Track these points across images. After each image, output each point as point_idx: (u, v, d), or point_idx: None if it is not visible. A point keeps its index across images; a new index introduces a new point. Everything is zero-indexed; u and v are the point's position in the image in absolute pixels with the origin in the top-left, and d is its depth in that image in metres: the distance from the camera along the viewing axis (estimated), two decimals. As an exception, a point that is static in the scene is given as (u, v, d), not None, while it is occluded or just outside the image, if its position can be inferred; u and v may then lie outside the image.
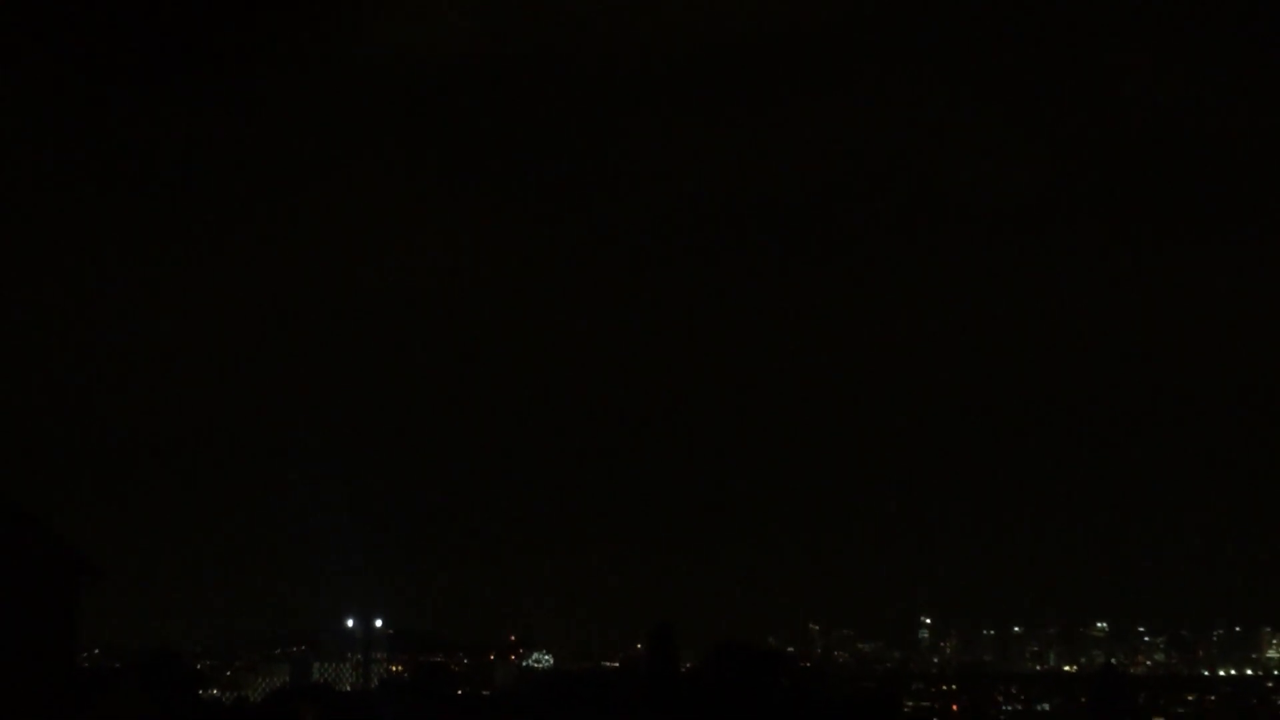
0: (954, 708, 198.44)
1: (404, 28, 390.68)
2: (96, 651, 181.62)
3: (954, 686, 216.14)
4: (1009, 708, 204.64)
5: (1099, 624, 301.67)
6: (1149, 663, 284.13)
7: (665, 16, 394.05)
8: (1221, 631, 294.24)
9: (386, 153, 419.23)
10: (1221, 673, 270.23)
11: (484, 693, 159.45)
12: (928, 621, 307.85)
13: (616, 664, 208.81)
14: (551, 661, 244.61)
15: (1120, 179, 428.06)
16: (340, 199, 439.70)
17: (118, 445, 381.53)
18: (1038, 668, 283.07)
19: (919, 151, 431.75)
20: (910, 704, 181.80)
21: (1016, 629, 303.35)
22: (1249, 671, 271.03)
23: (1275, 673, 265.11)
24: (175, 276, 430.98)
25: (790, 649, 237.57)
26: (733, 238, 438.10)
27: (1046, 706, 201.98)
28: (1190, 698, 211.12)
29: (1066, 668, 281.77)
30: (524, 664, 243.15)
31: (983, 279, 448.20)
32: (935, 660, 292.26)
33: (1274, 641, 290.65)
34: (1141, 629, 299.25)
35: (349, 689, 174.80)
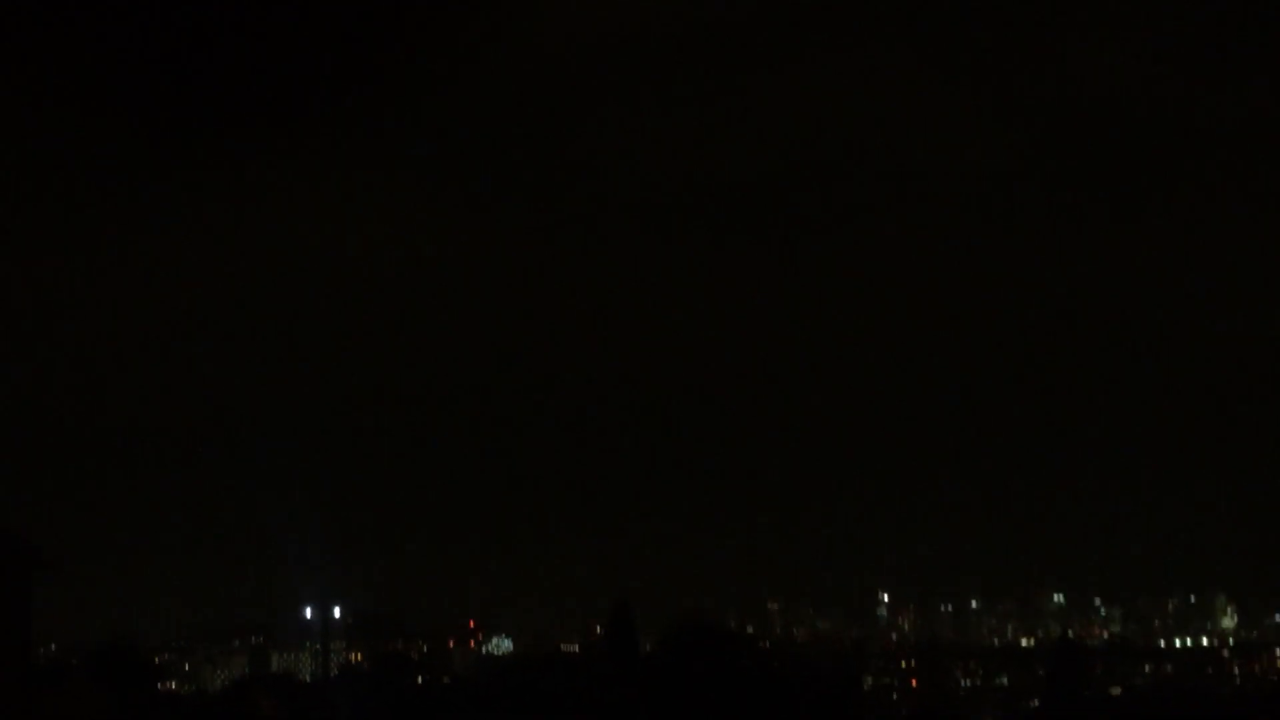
0: (914, 683, 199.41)
1: (381, 19, 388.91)
2: (53, 647, 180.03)
3: (913, 663, 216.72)
4: (968, 683, 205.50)
5: (1055, 596, 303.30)
6: (1105, 634, 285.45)
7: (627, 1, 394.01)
8: (1177, 601, 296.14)
9: (356, 142, 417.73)
10: (1177, 643, 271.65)
11: (444, 680, 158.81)
12: (885, 598, 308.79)
13: (575, 647, 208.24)
14: (511, 646, 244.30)
15: (1084, 152, 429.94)
16: (303, 187, 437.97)
17: (72, 437, 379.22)
18: (995, 641, 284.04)
19: (883, 128, 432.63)
20: (870, 680, 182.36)
21: (974, 603, 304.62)
22: (1204, 642, 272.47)
23: (1230, 641, 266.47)
24: (128, 267, 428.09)
25: (750, 629, 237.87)
26: (697, 219, 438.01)
27: (1005, 680, 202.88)
28: (1147, 668, 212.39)
29: (1024, 641, 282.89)
30: (484, 649, 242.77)
31: (943, 253, 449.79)
32: (894, 635, 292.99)
33: (1229, 610, 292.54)
34: (1097, 601, 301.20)
35: (308, 679, 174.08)
